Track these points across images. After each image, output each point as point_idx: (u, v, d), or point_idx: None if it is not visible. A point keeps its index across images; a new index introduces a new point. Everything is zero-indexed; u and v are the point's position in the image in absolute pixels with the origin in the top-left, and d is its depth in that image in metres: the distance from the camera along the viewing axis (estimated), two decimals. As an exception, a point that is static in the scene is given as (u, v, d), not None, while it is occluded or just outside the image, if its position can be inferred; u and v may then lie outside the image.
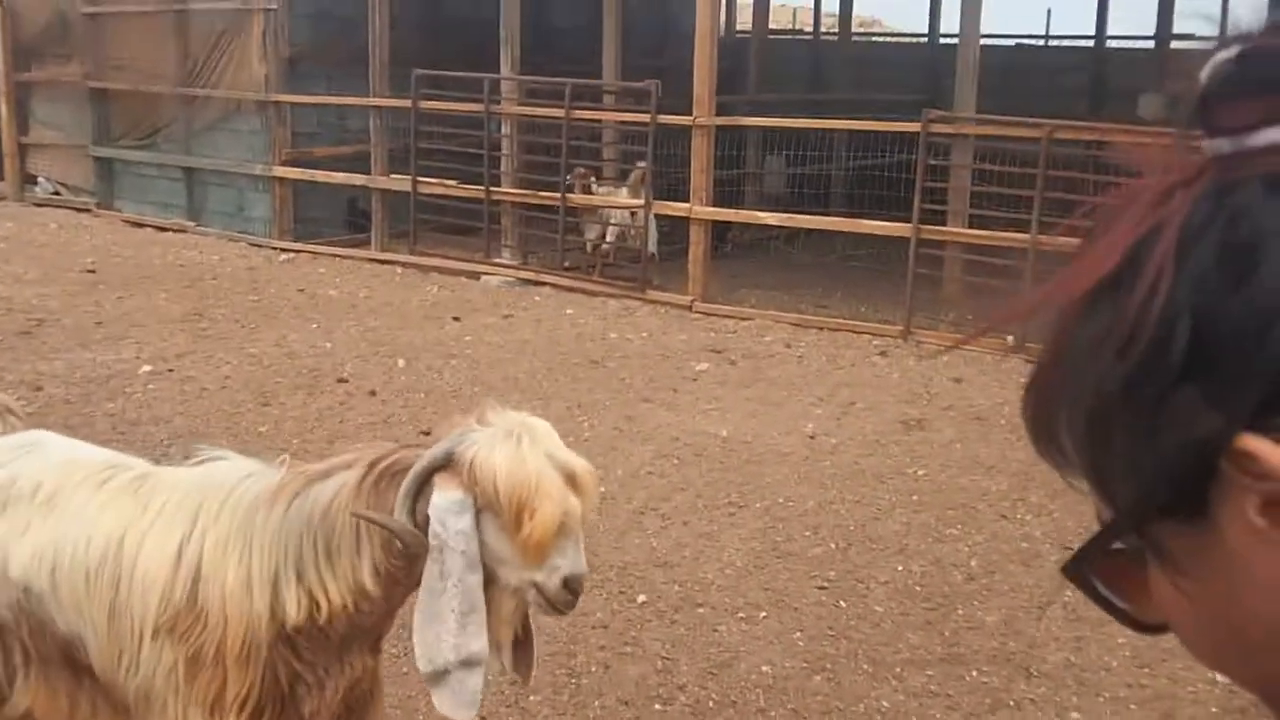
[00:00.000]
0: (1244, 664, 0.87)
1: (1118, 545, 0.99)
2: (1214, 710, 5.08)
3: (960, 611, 6.01)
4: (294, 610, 2.99)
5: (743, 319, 12.12)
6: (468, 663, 2.86)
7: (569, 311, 12.48)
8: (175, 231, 16.67)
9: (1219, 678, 5.26)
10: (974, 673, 5.45)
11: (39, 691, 3.50)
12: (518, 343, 11.11)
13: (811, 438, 8.57)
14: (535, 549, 2.77)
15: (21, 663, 3.51)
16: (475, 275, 14.00)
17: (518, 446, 2.81)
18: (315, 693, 3.12)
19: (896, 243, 12.35)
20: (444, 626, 2.84)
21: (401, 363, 10.35)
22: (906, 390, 9.75)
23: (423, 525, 2.86)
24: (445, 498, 2.83)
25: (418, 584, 2.92)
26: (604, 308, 12.68)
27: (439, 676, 2.86)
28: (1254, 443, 0.75)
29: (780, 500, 7.42)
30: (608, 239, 13.88)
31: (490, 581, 2.87)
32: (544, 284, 13.66)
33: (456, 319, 12.01)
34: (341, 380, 9.82)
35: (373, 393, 9.53)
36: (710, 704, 5.21)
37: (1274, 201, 0.78)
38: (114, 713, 3.56)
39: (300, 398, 9.39)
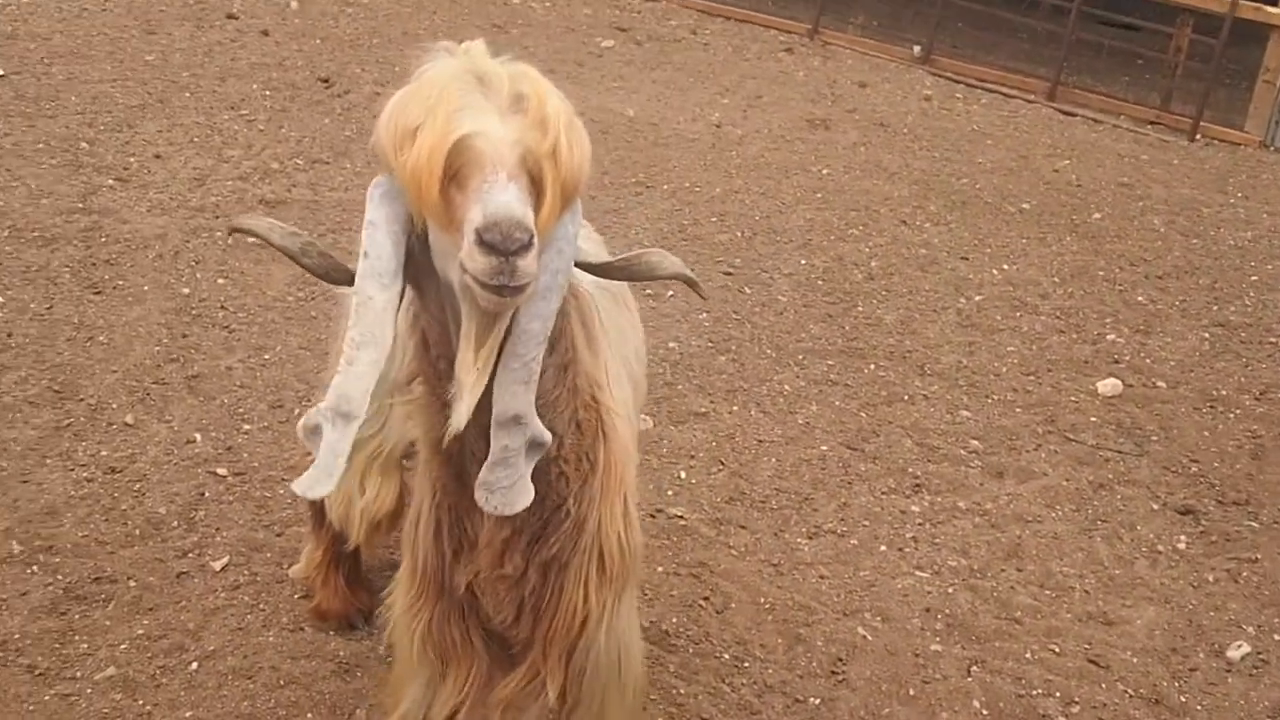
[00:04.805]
0: None
1: None
2: (1093, 419, 5.35)
3: (860, 308, 6.15)
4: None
5: (649, -1, 11.77)
6: (342, 413, 2.06)
7: (469, -29, 11.95)
8: None
9: (1100, 389, 5.55)
10: (872, 366, 5.63)
11: None
12: (417, -2, 10.63)
13: (718, 126, 8.50)
14: (418, 189, 1.94)
15: None
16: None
17: (428, 71, 2.03)
18: (466, 553, 2.48)
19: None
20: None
21: (294, 4, 9.84)
22: (812, 90, 9.67)
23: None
24: (371, 187, 2.09)
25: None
26: (506, -29, 12.16)
27: (311, 434, 2.07)
28: None
29: (687, 185, 7.40)
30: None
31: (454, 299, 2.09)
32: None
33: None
34: (231, 16, 9.32)
35: (265, 33, 9.08)
36: (618, 374, 5.30)
37: None
38: None
39: (188, 30, 8.92)
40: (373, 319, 2.03)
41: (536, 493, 2.23)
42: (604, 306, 2.59)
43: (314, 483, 2.05)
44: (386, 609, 2.80)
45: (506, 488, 2.14)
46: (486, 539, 2.39)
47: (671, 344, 5.62)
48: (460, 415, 2.04)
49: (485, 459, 2.16)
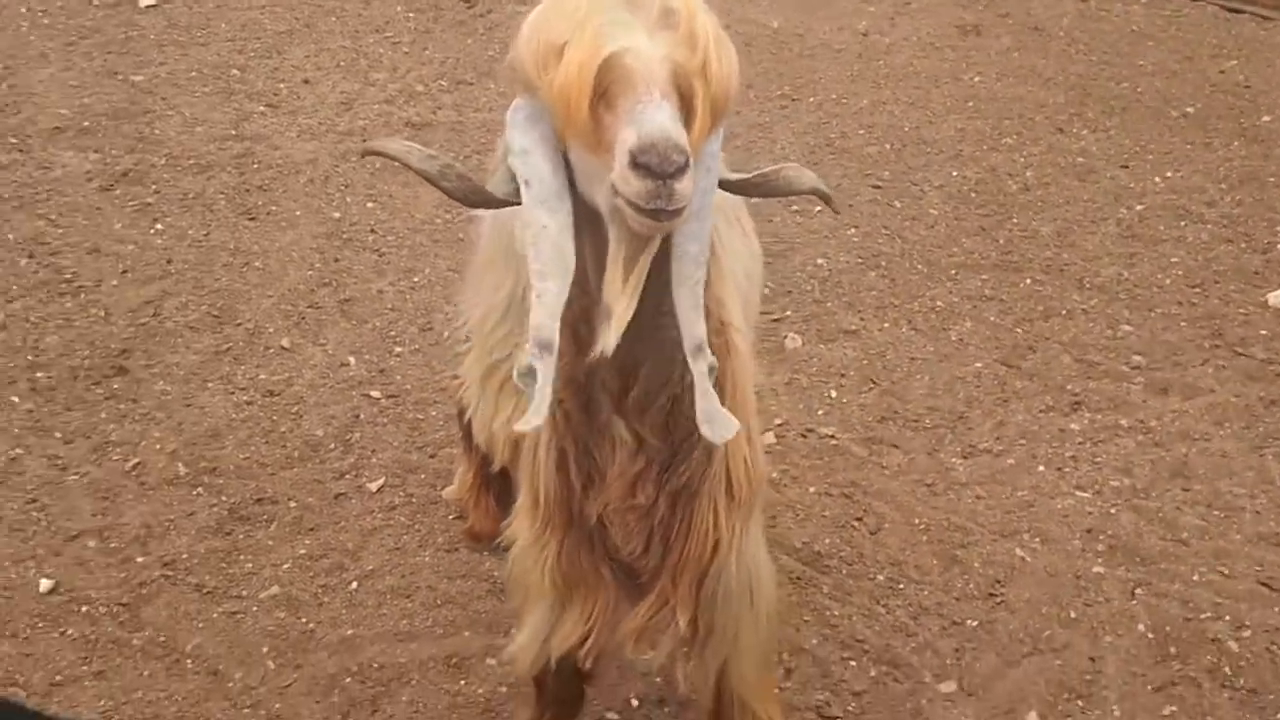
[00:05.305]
0: None
1: None
2: (1263, 332, 5.13)
3: (1015, 220, 5.96)
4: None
5: (790, -94, 11.47)
6: (543, 345, 1.99)
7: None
8: None
9: (1271, 300, 5.31)
10: (1028, 280, 5.46)
11: None
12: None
13: (865, 35, 8.27)
14: (566, 109, 1.85)
15: None
16: None
17: None
18: (596, 484, 2.41)
19: None
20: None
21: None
22: (962, -7, 9.35)
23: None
24: (511, 112, 2.01)
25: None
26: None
27: (525, 376, 2.01)
28: None
29: (834, 97, 7.23)
30: None
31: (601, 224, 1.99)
32: None
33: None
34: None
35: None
36: (766, 291, 5.22)
37: None
38: None
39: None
40: (551, 246, 1.97)
41: (666, 423, 2.22)
42: (718, 226, 2.53)
43: (530, 416, 2.00)
44: (507, 540, 2.78)
45: (719, 415, 2.08)
46: (619, 470, 2.35)
47: (820, 260, 5.52)
48: (610, 340, 1.97)
49: (615, 390, 2.12)
